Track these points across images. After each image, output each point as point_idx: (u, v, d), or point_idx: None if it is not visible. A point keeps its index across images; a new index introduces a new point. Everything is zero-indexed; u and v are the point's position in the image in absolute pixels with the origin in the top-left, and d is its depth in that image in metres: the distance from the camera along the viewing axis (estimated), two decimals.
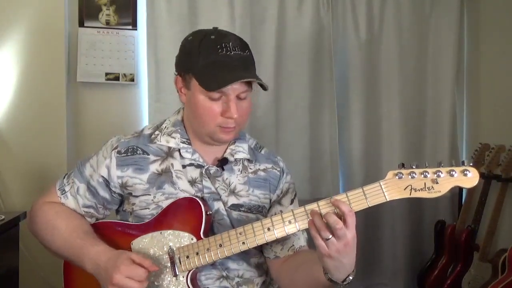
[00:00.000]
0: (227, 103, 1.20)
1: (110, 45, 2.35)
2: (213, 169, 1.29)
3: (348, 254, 1.04)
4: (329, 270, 1.08)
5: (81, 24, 2.32)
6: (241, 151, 1.33)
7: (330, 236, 1.02)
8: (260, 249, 1.36)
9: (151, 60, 2.37)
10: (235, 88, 1.19)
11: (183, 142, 1.29)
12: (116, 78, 2.36)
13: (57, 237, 1.25)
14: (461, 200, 2.82)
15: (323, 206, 1.09)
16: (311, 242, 1.12)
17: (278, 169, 1.38)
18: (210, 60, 1.18)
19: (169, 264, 1.19)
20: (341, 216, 1.03)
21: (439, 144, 2.82)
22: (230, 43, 1.19)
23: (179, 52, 1.28)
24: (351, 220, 1.02)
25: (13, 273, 1.90)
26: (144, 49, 2.39)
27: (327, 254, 1.03)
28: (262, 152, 1.40)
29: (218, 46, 1.18)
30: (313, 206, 1.10)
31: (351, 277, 1.09)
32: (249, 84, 1.22)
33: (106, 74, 2.35)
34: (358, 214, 1.08)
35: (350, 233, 1.02)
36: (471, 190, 2.61)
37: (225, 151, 1.33)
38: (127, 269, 1.11)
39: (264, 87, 1.23)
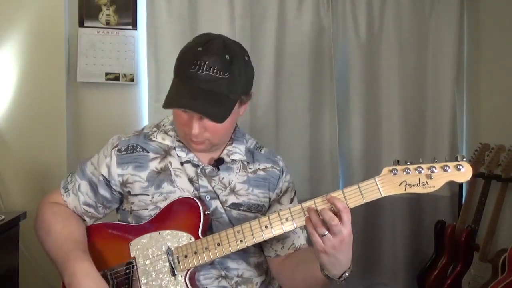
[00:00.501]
0: (191, 119, 1.19)
1: (110, 45, 2.35)
2: (208, 169, 1.29)
3: (344, 251, 1.05)
4: (325, 266, 1.09)
5: (81, 24, 2.32)
6: (238, 152, 1.33)
7: (326, 232, 1.03)
8: (260, 248, 1.37)
9: (151, 60, 2.37)
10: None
11: (179, 141, 1.30)
12: (116, 78, 2.37)
13: (50, 239, 1.25)
14: (461, 200, 2.82)
15: (319, 203, 1.10)
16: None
17: (278, 168, 1.38)
18: (182, 72, 1.17)
19: (167, 264, 1.19)
20: (337, 213, 1.04)
21: (439, 144, 2.82)
22: (207, 63, 1.13)
23: None
24: (347, 217, 1.04)
25: (13, 273, 1.90)
26: (144, 49, 2.39)
27: (323, 250, 1.04)
28: (262, 151, 1.41)
29: (195, 62, 1.14)
30: (309, 203, 1.11)
31: (347, 274, 1.10)
32: None
33: (106, 74, 2.35)
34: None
35: (345, 230, 1.03)
36: (471, 190, 2.61)
37: (221, 152, 1.33)
38: None
39: (215, 121, 1.15)
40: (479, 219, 2.54)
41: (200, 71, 1.14)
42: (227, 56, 1.16)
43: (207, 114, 1.15)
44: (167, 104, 1.17)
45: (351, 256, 1.09)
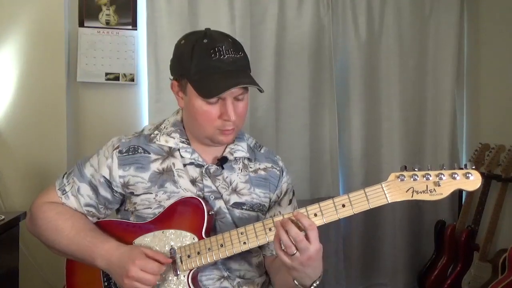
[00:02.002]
0: (225, 106, 1.20)
1: (110, 45, 2.34)
2: (213, 168, 1.29)
3: (312, 266, 1.07)
4: (295, 279, 1.12)
5: (81, 24, 2.32)
6: (240, 149, 1.34)
7: (295, 252, 1.04)
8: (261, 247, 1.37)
9: (151, 60, 2.37)
10: (232, 91, 1.18)
11: (182, 142, 1.30)
12: (116, 78, 2.36)
13: (62, 237, 1.25)
14: (461, 200, 2.82)
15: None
16: None
17: (278, 168, 1.39)
18: (204, 65, 1.18)
19: (170, 263, 1.19)
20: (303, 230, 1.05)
21: (439, 144, 2.83)
22: (223, 47, 1.18)
23: (173, 56, 1.29)
24: (313, 234, 1.04)
25: (13, 273, 1.90)
26: (144, 49, 2.39)
27: (291, 267, 1.07)
28: (262, 151, 1.41)
29: (211, 51, 1.17)
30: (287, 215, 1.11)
31: (317, 282, 1.13)
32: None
33: (106, 74, 2.35)
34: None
35: (312, 247, 1.04)
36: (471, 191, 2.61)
37: (224, 150, 1.33)
38: (141, 262, 1.13)
39: (260, 90, 1.21)
40: (479, 219, 2.54)
41: (222, 56, 1.17)
42: (229, 39, 1.21)
43: (255, 84, 1.18)
44: (213, 93, 1.17)
45: (321, 268, 1.11)
